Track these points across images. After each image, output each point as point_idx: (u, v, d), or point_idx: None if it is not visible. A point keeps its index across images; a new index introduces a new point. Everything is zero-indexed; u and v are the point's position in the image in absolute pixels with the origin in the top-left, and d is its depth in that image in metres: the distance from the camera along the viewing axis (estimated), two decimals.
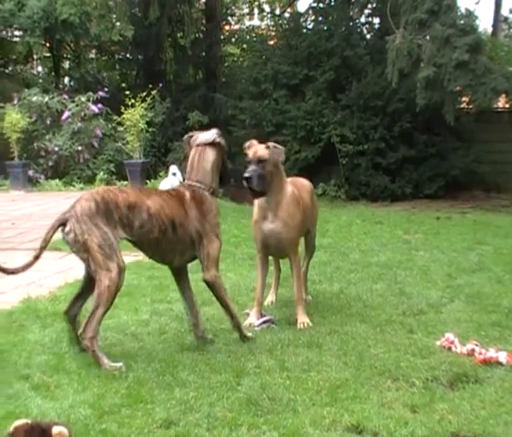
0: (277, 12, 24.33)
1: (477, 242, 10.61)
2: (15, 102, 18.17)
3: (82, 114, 18.30)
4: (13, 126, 17.29)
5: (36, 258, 5.50)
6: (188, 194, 5.81)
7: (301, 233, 6.82)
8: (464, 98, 17.05)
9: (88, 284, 5.68)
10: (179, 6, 21.51)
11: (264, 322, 6.43)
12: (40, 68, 24.42)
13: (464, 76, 13.76)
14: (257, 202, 6.61)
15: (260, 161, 6.30)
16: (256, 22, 25.45)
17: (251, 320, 6.49)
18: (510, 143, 17.60)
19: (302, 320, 6.45)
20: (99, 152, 18.45)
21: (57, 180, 17.70)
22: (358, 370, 5.27)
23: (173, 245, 5.70)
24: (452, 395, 4.80)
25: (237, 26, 25.96)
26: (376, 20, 19.87)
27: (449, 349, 5.70)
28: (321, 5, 19.86)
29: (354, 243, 10.60)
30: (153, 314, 6.72)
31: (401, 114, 16.84)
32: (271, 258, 7.03)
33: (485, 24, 38.88)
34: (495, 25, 23.42)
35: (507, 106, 19.34)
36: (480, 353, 5.47)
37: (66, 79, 24.40)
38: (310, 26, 20.06)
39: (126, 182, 16.42)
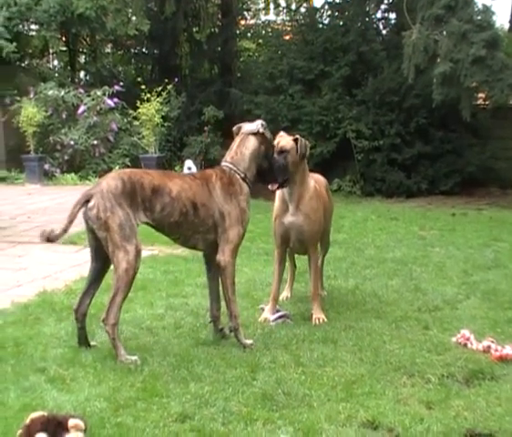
0: (293, 7, 24.21)
1: (493, 239, 10.56)
2: (32, 96, 18.20)
3: (98, 108, 18.32)
4: (29, 119, 17.34)
5: (65, 231, 5.46)
6: (214, 174, 5.80)
7: (321, 228, 6.80)
8: (480, 94, 16.91)
9: (95, 279, 5.70)
10: (195, 1, 21.48)
11: (279, 318, 6.43)
12: (56, 62, 24.44)
13: (480, 72, 13.68)
14: (279, 196, 6.61)
15: (282, 151, 6.30)
16: (272, 17, 25.36)
17: (266, 315, 6.49)
18: None
19: (318, 315, 6.45)
20: (115, 146, 18.47)
21: (73, 174, 17.74)
22: (373, 365, 5.27)
23: (195, 227, 5.65)
24: (467, 392, 4.79)
25: (252, 21, 25.86)
26: (392, 15, 19.75)
27: (465, 345, 5.69)
28: (337, 0, 19.81)
29: (370, 239, 10.58)
30: (168, 308, 6.73)
31: (417, 110, 16.75)
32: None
33: (502, 20, 38.66)
34: None
35: None
36: (496, 350, 5.45)
37: (82, 73, 24.41)
38: (326, 22, 19.95)
39: None
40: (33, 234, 10.17)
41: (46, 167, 17.93)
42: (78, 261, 8.62)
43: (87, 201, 5.37)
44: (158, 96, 17.14)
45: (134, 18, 19.26)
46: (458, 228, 11.75)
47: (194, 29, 22.60)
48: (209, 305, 6.13)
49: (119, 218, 5.26)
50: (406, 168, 16.84)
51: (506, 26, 23.21)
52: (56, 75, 21.75)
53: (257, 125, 5.97)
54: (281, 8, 24.76)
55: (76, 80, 22.40)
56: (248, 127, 6.01)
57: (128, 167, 17.53)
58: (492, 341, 5.59)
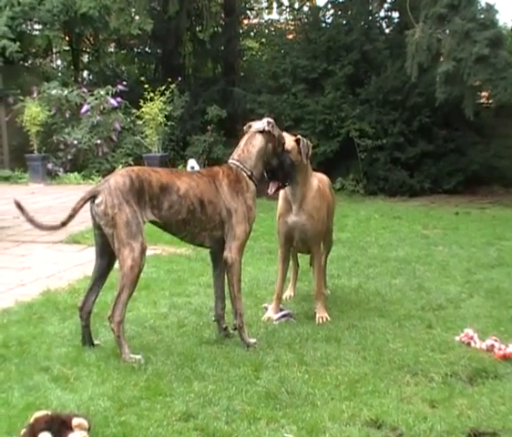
0: (296, 6, 24.22)
1: (497, 237, 10.55)
2: (35, 95, 18.22)
3: (101, 107, 18.33)
4: (32, 119, 17.35)
5: (64, 224, 5.47)
6: (221, 171, 5.82)
7: (324, 227, 6.81)
8: (483, 93, 16.91)
9: (100, 277, 5.71)
10: (198, 0, 21.50)
11: (283, 316, 6.43)
12: (59, 62, 24.46)
13: (484, 71, 13.65)
14: (282, 195, 6.61)
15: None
16: (275, 16, 25.38)
17: (270, 314, 6.50)
18: None
19: (321, 314, 6.46)
20: (118, 145, 18.48)
21: (76, 173, 17.76)
22: (377, 364, 5.27)
23: (202, 224, 5.67)
24: (471, 390, 4.79)
25: (256, 20, 25.89)
26: (396, 14, 19.73)
27: (468, 344, 5.69)
28: None
29: (373, 238, 10.58)
30: (172, 307, 6.74)
31: (420, 108, 16.73)
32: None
33: (505, 18, 38.60)
34: None
35: None
36: (500, 349, 5.45)
37: (86, 73, 24.44)
38: (329, 20, 19.94)
39: None
40: (36, 233, 10.18)
41: (50, 166, 17.95)
42: (82, 261, 8.64)
43: (94, 197, 5.38)
44: (161, 96, 17.12)
45: (137, 17, 19.25)
46: (462, 226, 11.74)
47: (197, 28, 22.62)
48: (213, 304, 6.13)
49: (126, 215, 5.27)
50: (409, 167, 16.82)
51: (510, 25, 23.22)
52: (60, 74, 21.76)
53: (263, 123, 5.98)
54: (284, 7, 24.77)
55: (80, 79, 22.42)
56: (256, 125, 6.02)
57: (131, 166, 17.57)
58: (495, 340, 5.59)
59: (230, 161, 5.92)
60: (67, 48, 22.89)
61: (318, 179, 6.83)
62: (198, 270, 8.14)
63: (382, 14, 19.89)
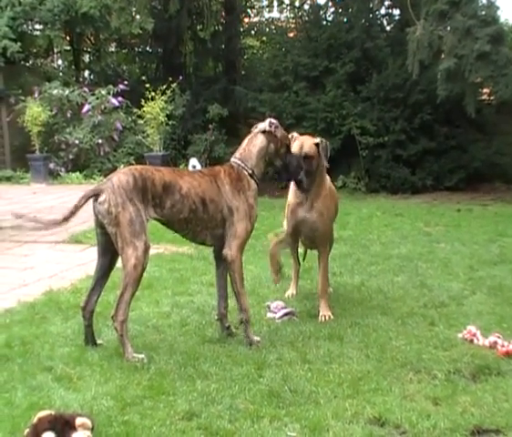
0: (296, 4, 24.17)
1: (499, 234, 10.55)
2: (36, 95, 18.21)
3: (102, 107, 18.33)
4: (34, 119, 17.35)
5: (65, 219, 5.48)
6: (223, 170, 5.84)
7: (332, 226, 6.88)
8: (485, 90, 16.89)
9: (102, 276, 5.72)
10: None
11: (285, 315, 6.43)
12: (60, 62, 24.43)
13: (485, 68, 13.64)
14: (293, 185, 6.61)
15: (306, 157, 6.30)
16: (275, 14, 25.32)
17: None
18: None
19: (324, 312, 6.46)
20: (119, 145, 18.49)
21: (78, 173, 17.77)
22: (380, 362, 5.27)
23: (204, 223, 5.68)
24: (474, 388, 4.79)
25: (256, 19, 25.84)
26: (396, 11, 19.71)
27: (471, 341, 5.69)
28: None
29: (375, 235, 10.57)
30: (174, 306, 6.74)
31: (421, 105, 16.71)
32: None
33: (506, 14, 38.58)
34: None
35: None
36: (502, 346, 5.45)
37: (87, 72, 24.41)
38: (330, 18, 19.94)
39: None
40: (38, 233, 10.18)
41: (51, 166, 17.95)
42: (84, 260, 8.65)
43: (97, 196, 5.38)
44: (162, 95, 17.14)
45: (138, 17, 19.24)
46: (464, 223, 11.73)
47: (198, 27, 22.57)
48: (216, 303, 6.13)
49: (130, 213, 5.28)
50: (411, 165, 16.81)
51: (511, 21, 23.18)
52: (61, 74, 21.77)
53: (265, 123, 5.99)
54: (284, 5, 24.72)
55: (81, 79, 22.42)
56: (260, 125, 6.04)
57: (132, 165, 17.58)
58: (498, 337, 5.59)
59: (232, 160, 5.94)
60: (68, 48, 22.87)
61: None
62: (200, 269, 8.14)
63: (383, 11, 19.89)
